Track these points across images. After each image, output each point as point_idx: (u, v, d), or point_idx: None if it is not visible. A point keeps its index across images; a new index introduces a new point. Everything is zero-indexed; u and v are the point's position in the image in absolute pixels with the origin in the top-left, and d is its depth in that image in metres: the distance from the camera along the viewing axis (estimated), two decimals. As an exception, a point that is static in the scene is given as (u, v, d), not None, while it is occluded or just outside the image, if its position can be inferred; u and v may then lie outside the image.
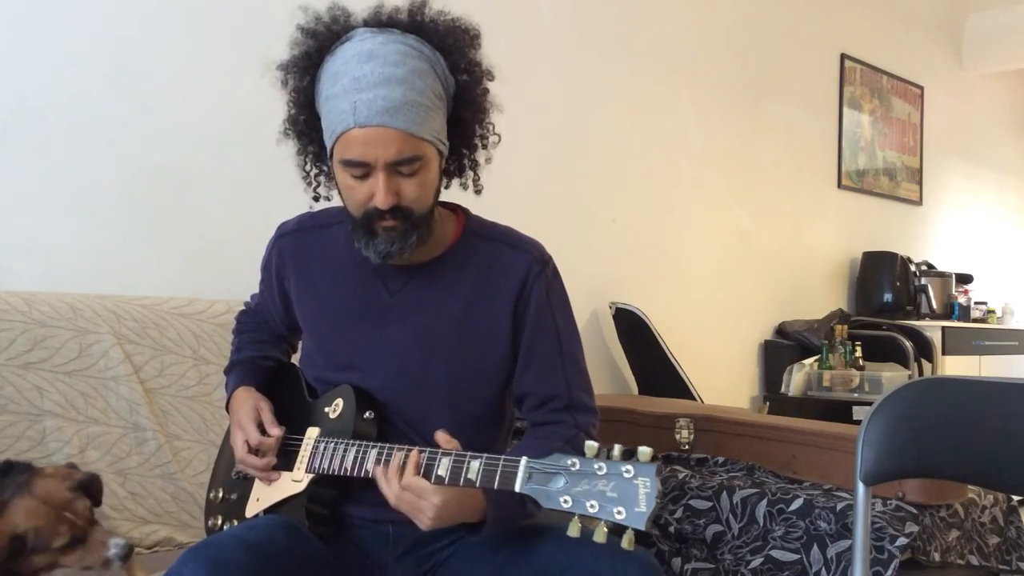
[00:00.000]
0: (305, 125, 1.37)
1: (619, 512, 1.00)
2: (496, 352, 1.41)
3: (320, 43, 1.32)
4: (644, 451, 1.03)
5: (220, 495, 1.54)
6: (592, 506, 1.02)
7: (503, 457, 1.14)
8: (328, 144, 1.31)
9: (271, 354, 1.60)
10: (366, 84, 1.23)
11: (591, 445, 1.06)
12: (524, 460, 1.11)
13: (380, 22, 1.31)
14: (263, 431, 1.43)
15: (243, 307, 1.68)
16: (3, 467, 1.45)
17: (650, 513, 0.99)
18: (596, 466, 1.04)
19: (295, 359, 1.62)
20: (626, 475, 1.01)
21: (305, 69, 1.33)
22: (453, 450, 1.21)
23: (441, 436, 1.24)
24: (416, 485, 1.21)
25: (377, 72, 1.24)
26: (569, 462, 1.06)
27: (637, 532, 1.01)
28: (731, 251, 3.98)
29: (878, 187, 4.93)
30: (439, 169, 1.34)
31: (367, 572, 1.40)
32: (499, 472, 1.13)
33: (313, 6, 1.37)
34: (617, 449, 1.05)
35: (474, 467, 1.16)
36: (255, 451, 1.42)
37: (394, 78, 1.24)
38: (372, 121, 1.23)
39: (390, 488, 1.23)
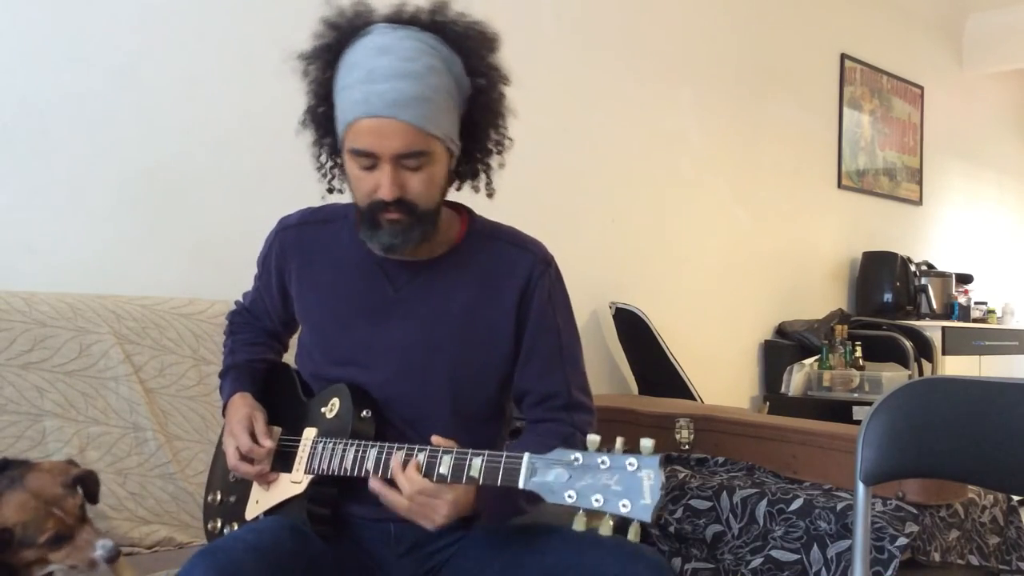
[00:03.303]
0: (323, 116, 1.38)
1: (624, 505, 1.01)
2: (498, 351, 1.41)
3: (341, 35, 1.34)
4: (646, 444, 1.03)
5: (218, 498, 1.54)
6: (597, 500, 1.02)
7: (505, 454, 1.14)
8: (339, 132, 1.33)
9: (265, 356, 1.60)
10: (380, 76, 1.25)
11: (593, 439, 1.06)
12: (527, 456, 1.11)
13: (400, 19, 1.33)
14: (255, 440, 1.42)
15: (234, 306, 1.67)
16: (0, 463, 1.45)
17: (655, 505, 0.99)
18: (599, 460, 1.04)
19: (290, 358, 1.61)
20: (630, 468, 1.02)
21: (326, 60, 1.35)
22: (454, 448, 1.21)
23: (436, 439, 1.24)
24: (427, 489, 1.21)
25: (392, 66, 1.25)
26: (572, 457, 1.06)
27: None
28: (731, 251, 3.98)
29: (878, 187, 4.93)
30: (447, 168, 1.35)
31: (369, 571, 1.40)
32: (502, 469, 1.13)
33: (337, 0, 1.39)
34: (619, 442, 1.05)
35: (476, 464, 1.16)
36: (247, 459, 1.42)
37: (407, 72, 1.25)
38: (382, 112, 1.25)
39: (397, 500, 1.23)
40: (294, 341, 1.61)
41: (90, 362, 1.91)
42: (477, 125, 1.38)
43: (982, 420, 1.32)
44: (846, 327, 4.04)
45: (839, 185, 4.64)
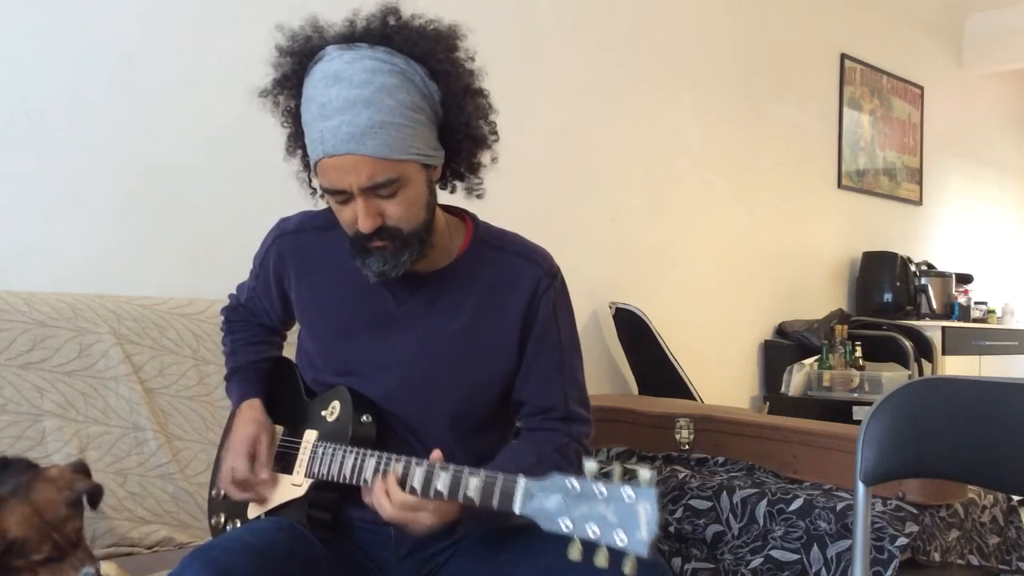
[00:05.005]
0: (302, 144, 1.35)
1: (620, 538, 0.98)
2: (501, 365, 1.40)
3: (296, 62, 1.30)
4: (644, 475, 1.01)
5: (222, 492, 1.54)
6: (593, 531, 1.00)
7: (502, 476, 1.11)
8: (312, 171, 1.32)
9: (268, 354, 1.59)
10: (331, 110, 1.21)
11: (591, 467, 1.03)
12: (523, 481, 1.08)
13: (352, 35, 1.27)
14: (255, 464, 1.42)
15: (228, 301, 1.66)
16: (0, 462, 1.45)
17: (651, 540, 0.97)
18: (596, 489, 1.02)
19: (291, 352, 1.61)
20: (627, 500, 1.00)
21: (289, 90, 1.32)
22: (451, 464, 1.19)
23: (436, 455, 1.22)
24: (410, 504, 1.20)
25: (342, 96, 1.20)
26: (569, 484, 1.04)
27: None
28: (731, 251, 3.98)
29: (878, 187, 4.93)
30: (427, 183, 1.30)
31: (369, 574, 1.39)
32: (498, 493, 1.11)
33: (289, 24, 1.34)
34: (617, 470, 1.03)
35: (473, 484, 1.14)
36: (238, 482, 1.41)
37: (359, 100, 1.20)
38: (339, 150, 1.21)
39: (382, 508, 1.22)
40: (291, 339, 1.61)
41: (90, 362, 1.91)
42: (452, 126, 1.32)
43: (982, 420, 1.32)
44: (846, 327, 4.04)
45: (839, 185, 4.64)
